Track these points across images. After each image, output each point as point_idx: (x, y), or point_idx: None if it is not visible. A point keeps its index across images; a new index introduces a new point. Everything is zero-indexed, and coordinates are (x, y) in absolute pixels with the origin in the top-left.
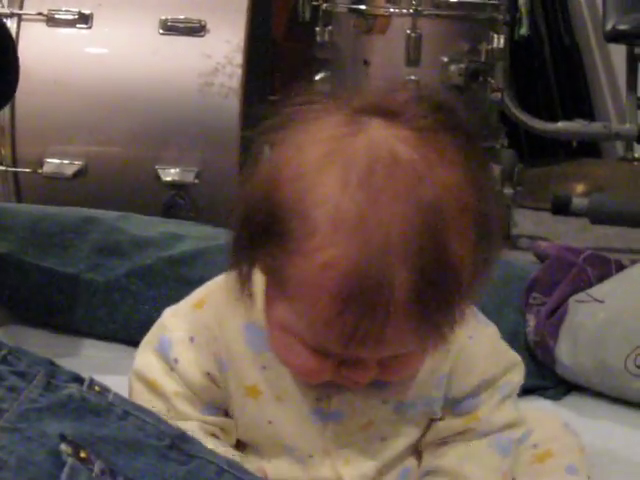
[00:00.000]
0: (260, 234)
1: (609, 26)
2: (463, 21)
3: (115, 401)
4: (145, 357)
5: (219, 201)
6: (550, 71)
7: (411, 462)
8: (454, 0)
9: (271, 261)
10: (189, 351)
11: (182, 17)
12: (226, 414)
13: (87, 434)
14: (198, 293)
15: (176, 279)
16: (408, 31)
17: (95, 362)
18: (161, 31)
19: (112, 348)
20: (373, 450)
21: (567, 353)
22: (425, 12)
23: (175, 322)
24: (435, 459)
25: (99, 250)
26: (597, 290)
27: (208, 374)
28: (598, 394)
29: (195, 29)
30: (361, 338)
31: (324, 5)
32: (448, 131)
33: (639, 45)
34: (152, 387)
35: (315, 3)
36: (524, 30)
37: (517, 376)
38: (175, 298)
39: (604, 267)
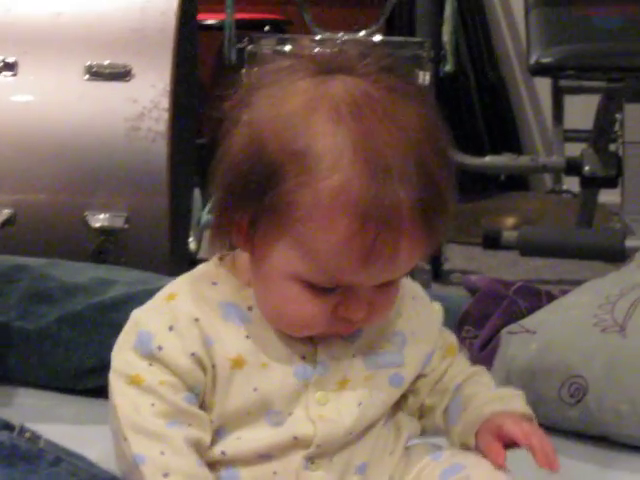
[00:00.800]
0: (258, 188)
1: (533, 60)
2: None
3: (46, 447)
4: (123, 356)
5: (149, 245)
6: (476, 106)
7: (388, 433)
8: (378, 39)
9: (275, 207)
10: (171, 337)
11: (107, 62)
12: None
13: None
14: (167, 289)
15: (107, 325)
16: None
17: (29, 410)
18: (86, 77)
19: (45, 396)
20: (349, 413)
21: (501, 385)
22: (350, 51)
23: (149, 316)
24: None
25: (29, 297)
26: (529, 321)
27: (193, 355)
28: None
29: (120, 74)
30: (379, 251)
31: (249, 47)
32: (400, 85)
33: (563, 78)
34: (135, 382)
35: (240, 46)
36: (449, 67)
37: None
38: (107, 344)
39: (535, 298)
